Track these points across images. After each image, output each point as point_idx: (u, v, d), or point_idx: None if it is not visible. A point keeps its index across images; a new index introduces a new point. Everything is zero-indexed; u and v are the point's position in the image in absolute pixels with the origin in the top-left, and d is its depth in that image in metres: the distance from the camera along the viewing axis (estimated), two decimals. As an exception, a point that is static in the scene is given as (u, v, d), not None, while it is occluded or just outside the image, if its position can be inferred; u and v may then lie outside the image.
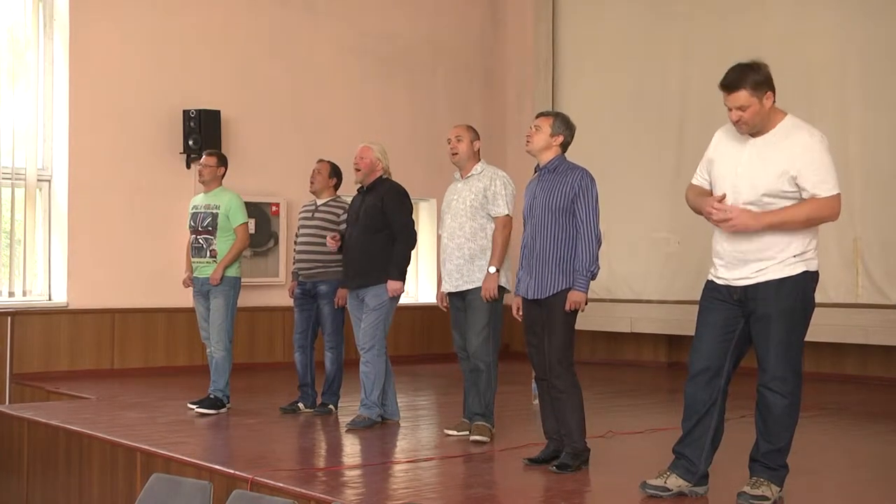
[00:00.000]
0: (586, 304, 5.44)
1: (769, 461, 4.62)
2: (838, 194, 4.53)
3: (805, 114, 10.23)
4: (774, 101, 4.60)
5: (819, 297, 10.05)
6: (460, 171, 6.60)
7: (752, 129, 4.60)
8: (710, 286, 4.78)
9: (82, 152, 10.02)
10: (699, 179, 4.85)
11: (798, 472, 5.01)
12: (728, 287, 4.68)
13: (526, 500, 4.91)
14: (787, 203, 4.54)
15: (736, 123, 4.59)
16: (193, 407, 7.57)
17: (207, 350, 7.76)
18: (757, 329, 4.61)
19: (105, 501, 6.34)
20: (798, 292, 4.58)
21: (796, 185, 4.51)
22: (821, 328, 9.50)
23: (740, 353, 4.74)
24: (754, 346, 4.66)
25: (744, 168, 4.60)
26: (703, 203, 4.69)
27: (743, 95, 4.51)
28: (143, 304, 10.23)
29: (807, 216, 4.51)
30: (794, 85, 9.90)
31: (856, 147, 9.50)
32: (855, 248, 9.45)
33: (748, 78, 4.51)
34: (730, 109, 4.57)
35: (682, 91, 10.74)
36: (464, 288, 6.42)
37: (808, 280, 4.61)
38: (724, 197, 4.60)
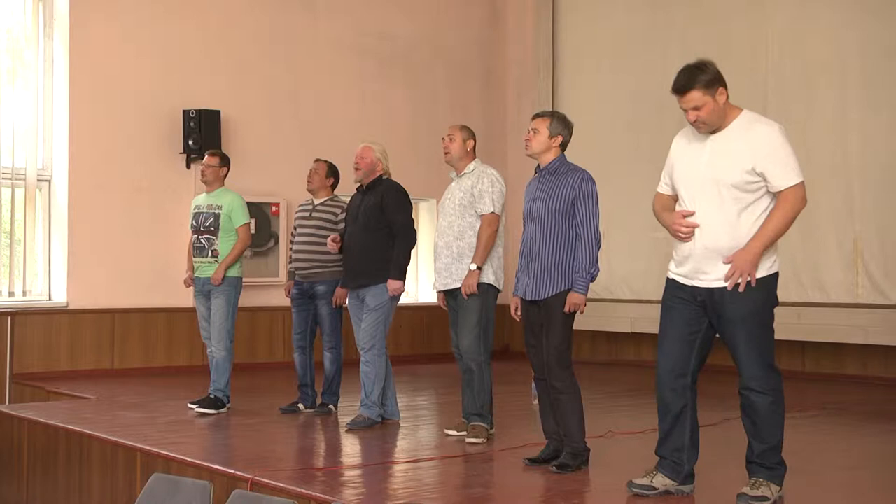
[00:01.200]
0: (585, 306, 5.44)
1: (765, 460, 4.61)
2: (802, 182, 4.56)
3: (805, 114, 10.28)
4: (728, 97, 4.63)
5: (819, 296, 10.11)
6: (455, 171, 6.60)
7: (711, 127, 4.64)
8: (673, 285, 4.77)
9: (82, 152, 10.03)
10: (663, 187, 4.89)
11: (798, 472, 5.01)
12: (693, 288, 4.67)
13: (526, 500, 4.91)
14: (752, 196, 4.54)
15: (694, 123, 4.64)
16: (193, 407, 7.57)
17: (208, 350, 7.76)
18: (728, 332, 4.60)
19: (105, 501, 6.34)
20: (766, 293, 4.60)
21: (760, 176, 4.52)
22: (821, 328, 9.57)
23: (705, 353, 4.75)
24: (729, 350, 4.65)
25: (706, 166, 4.62)
26: (668, 219, 4.75)
27: (695, 96, 4.56)
28: (143, 304, 10.23)
29: (786, 219, 4.53)
30: (795, 85, 9.93)
31: (856, 147, 9.50)
32: (855, 248, 9.45)
33: (697, 78, 4.56)
34: (686, 111, 4.62)
35: (682, 91, 10.73)
36: (452, 286, 6.42)
37: (773, 281, 4.63)
38: (692, 213, 4.62)
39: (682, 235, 4.65)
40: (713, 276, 4.60)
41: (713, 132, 4.65)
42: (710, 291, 4.61)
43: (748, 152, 4.52)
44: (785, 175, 4.51)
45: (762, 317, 4.59)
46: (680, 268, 4.73)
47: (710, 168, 4.59)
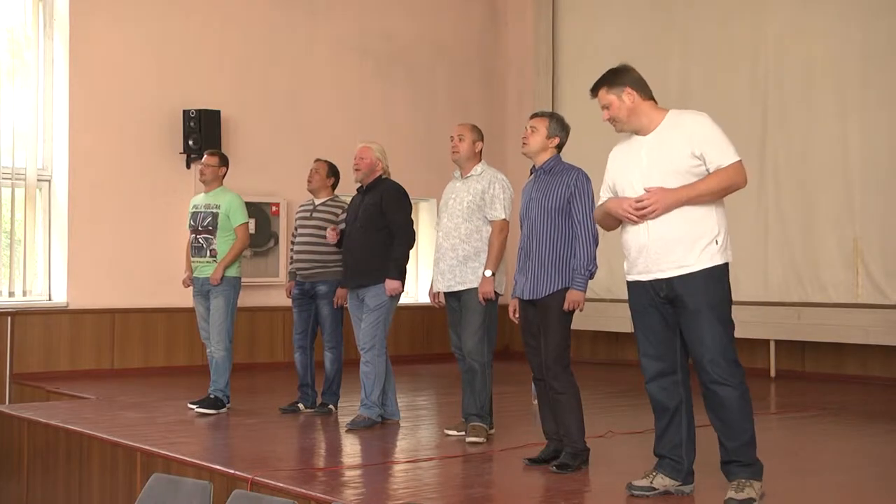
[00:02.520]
0: (584, 303, 5.43)
1: (743, 458, 4.58)
2: (741, 160, 4.61)
3: (805, 114, 10.26)
4: (640, 99, 4.74)
5: (819, 296, 10.10)
6: (460, 170, 6.59)
7: (624, 125, 4.78)
8: (636, 287, 4.73)
9: (82, 152, 10.03)
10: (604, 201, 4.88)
11: (798, 472, 5.01)
12: (653, 283, 4.65)
13: (526, 500, 4.91)
14: (698, 180, 4.58)
15: (609, 121, 4.83)
16: (193, 407, 7.57)
17: (207, 350, 7.76)
18: (690, 325, 4.58)
19: (105, 501, 6.34)
20: (723, 283, 4.60)
21: (700, 159, 4.56)
22: (821, 328, 9.57)
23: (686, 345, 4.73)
24: (689, 344, 4.61)
25: (648, 161, 4.67)
26: (615, 205, 4.71)
27: (601, 95, 4.83)
28: (142, 304, 10.23)
29: (719, 184, 4.56)
30: (795, 85, 9.92)
31: (856, 147, 9.50)
32: (855, 248, 9.45)
33: (604, 79, 4.85)
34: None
35: (682, 91, 10.71)
36: (456, 289, 6.42)
37: (725, 271, 4.64)
38: (642, 200, 4.62)
39: (636, 217, 4.62)
40: (671, 264, 4.58)
41: (644, 136, 4.72)
42: (671, 282, 4.59)
43: (685, 138, 4.60)
44: (723, 154, 4.57)
45: (723, 311, 4.59)
46: (636, 265, 4.70)
47: (653, 162, 4.65)
